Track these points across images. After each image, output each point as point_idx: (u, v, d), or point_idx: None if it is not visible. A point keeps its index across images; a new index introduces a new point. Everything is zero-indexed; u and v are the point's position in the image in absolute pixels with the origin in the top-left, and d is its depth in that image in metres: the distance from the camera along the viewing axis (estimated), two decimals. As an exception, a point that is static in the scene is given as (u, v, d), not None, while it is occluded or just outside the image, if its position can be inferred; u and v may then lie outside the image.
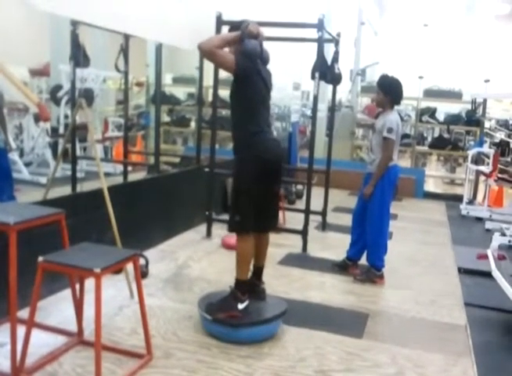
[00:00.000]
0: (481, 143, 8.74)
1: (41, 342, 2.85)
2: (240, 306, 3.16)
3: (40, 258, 2.47)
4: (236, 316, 3.14)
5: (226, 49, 3.27)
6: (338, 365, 2.99)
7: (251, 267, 3.39)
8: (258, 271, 3.49)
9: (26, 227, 2.65)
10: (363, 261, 4.51)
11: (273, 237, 5.21)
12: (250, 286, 3.38)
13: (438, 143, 10.23)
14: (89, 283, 2.59)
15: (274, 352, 3.07)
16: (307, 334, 3.33)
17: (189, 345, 3.07)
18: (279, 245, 5.10)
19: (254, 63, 3.18)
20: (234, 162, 3.33)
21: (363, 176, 4.52)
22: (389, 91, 4.27)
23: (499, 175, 7.21)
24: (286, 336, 3.28)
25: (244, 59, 3.14)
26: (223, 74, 5.30)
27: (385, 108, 4.34)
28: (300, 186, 7.52)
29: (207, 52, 3.14)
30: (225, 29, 5.01)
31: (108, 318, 3.27)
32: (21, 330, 2.55)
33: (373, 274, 4.38)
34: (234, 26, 3.35)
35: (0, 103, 5.01)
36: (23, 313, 2.84)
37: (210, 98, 7.84)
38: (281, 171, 3.43)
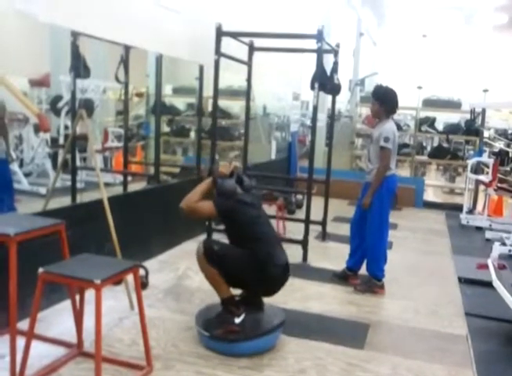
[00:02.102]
0: (480, 153, 8.75)
1: (41, 354, 2.83)
2: (237, 320, 3.15)
3: (40, 269, 2.47)
4: (234, 330, 3.13)
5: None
6: (339, 376, 2.98)
7: None
8: None
9: (26, 238, 2.65)
10: (363, 271, 4.50)
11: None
12: (246, 297, 3.37)
13: (438, 153, 10.26)
14: (89, 294, 2.58)
15: (274, 364, 3.06)
16: (307, 345, 3.32)
17: (189, 356, 3.06)
18: (279, 255, 5.09)
19: (232, 198, 3.24)
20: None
21: (362, 186, 4.52)
22: (384, 101, 4.29)
23: (499, 185, 7.22)
24: (285, 347, 3.27)
25: (221, 199, 3.23)
26: (223, 85, 5.34)
27: (381, 118, 4.35)
28: (300, 196, 7.51)
29: (188, 211, 3.25)
30: (225, 40, 5.05)
31: (108, 329, 3.26)
32: (21, 342, 2.55)
33: (373, 284, 4.37)
34: (210, 172, 3.43)
35: (1, 113, 5.02)
36: (23, 324, 2.83)
37: (209, 108, 7.85)
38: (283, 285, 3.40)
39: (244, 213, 3.25)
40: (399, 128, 11.01)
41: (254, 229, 3.27)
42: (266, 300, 3.49)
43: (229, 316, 3.16)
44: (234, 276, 3.18)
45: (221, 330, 3.13)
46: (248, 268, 3.16)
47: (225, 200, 3.23)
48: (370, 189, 4.28)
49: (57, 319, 3.35)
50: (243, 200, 3.28)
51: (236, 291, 3.36)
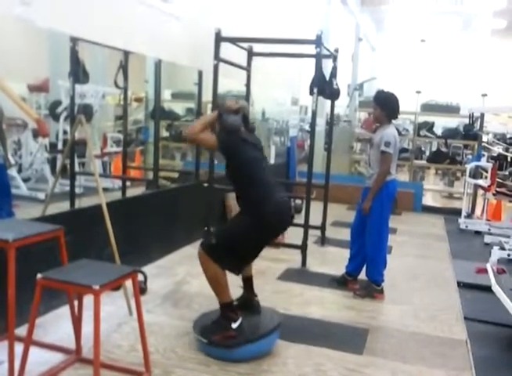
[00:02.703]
0: (478, 157, 8.76)
1: (39, 360, 2.82)
2: (234, 325, 3.12)
3: (39, 275, 2.46)
4: (232, 335, 3.11)
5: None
6: (338, 382, 2.97)
7: (240, 283, 3.39)
8: (248, 282, 3.46)
9: (24, 244, 2.64)
10: (363, 275, 4.49)
11: (272, 252, 5.21)
12: (242, 300, 3.37)
13: (436, 157, 10.27)
14: (88, 300, 2.57)
15: (274, 369, 3.05)
16: (307, 350, 3.31)
17: (188, 362, 3.05)
18: (279, 260, 5.09)
19: (236, 135, 3.23)
20: (241, 207, 3.27)
21: (362, 191, 4.52)
22: (385, 106, 4.30)
23: (498, 189, 7.22)
24: (285, 352, 3.26)
25: (225, 134, 3.22)
26: (222, 90, 5.34)
27: (382, 123, 4.36)
28: (299, 201, 7.51)
29: (191, 140, 3.31)
30: (224, 45, 5.06)
31: (106, 335, 3.25)
32: (19, 348, 2.53)
33: (372, 289, 4.36)
34: (217, 106, 3.46)
35: (0, 118, 5.02)
36: (21, 330, 2.82)
37: (208, 113, 7.87)
38: (287, 229, 3.40)
39: (245, 152, 3.22)
40: (398, 132, 11.03)
41: (251, 170, 3.22)
42: (264, 303, 3.49)
43: (226, 321, 3.14)
44: (241, 246, 3.11)
45: (219, 336, 3.11)
46: (246, 224, 3.12)
47: (228, 136, 3.21)
48: (370, 194, 4.28)
49: (55, 325, 3.35)
50: (246, 139, 3.26)
51: (234, 295, 3.35)
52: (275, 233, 3.35)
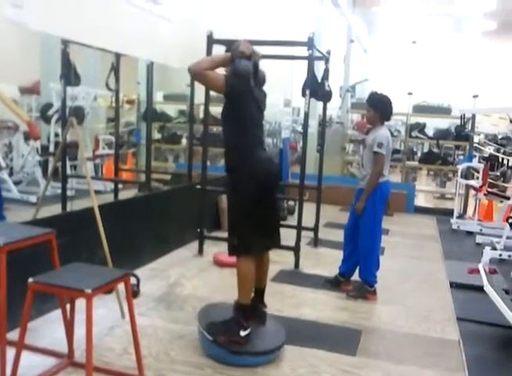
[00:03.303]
0: (470, 158, 8.82)
1: (31, 364, 2.80)
2: (243, 333, 3.10)
3: (30, 279, 2.44)
4: (239, 342, 3.09)
5: (222, 70, 3.25)
6: (332, 383, 2.97)
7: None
8: (260, 293, 3.43)
9: (16, 248, 2.62)
10: (356, 277, 4.50)
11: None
12: (252, 309, 3.32)
13: (428, 158, 10.31)
14: (80, 303, 2.56)
15: (268, 372, 3.04)
16: (301, 352, 3.31)
17: (182, 365, 3.04)
18: (272, 262, 5.00)
19: (245, 83, 3.13)
20: (227, 182, 3.30)
21: (355, 192, 4.53)
22: (379, 107, 4.32)
23: (489, 189, 7.27)
24: (280, 355, 3.25)
25: (234, 79, 3.10)
26: (214, 92, 5.34)
27: (375, 124, 4.38)
28: (291, 202, 7.52)
29: (196, 74, 3.12)
30: (216, 48, 5.06)
31: (99, 338, 3.23)
32: (11, 352, 2.51)
33: (365, 290, 4.37)
34: (229, 46, 3.32)
35: None
36: (13, 335, 2.79)
37: (201, 115, 7.85)
38: (277, 188, 3.38)
39: (247, 107, 3.15)
40: (390, 133, 11.06)
41: (247, 127, 3.19)
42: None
43: (236, 327, 3.11)
44: (247, 212, 3.12)
45: (225, 339, 3.08)
46: (238, 189, 3.16)
47: (237, 81, 3.10)
48: (364, 194, 4.29)
49: (48, 330, 3.32)
50: (253, 92, 3.17)
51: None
52: (264, 186, 3.20)
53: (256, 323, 3.27)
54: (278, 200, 3.45)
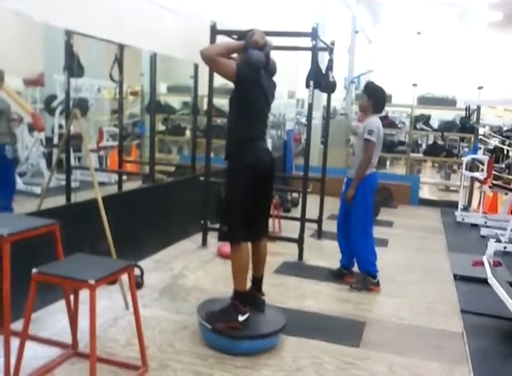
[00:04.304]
0: (475, 150, 8.78)
1: (36, 355, 2.82)
2: (241, 318, 3.13)
3: (34, 270, 2.45)
4: (236, 327, 3.11)
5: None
6: (335, 374, 2.98)
7: (250, 277, 3.38)
8: (257, 281, 3.46)
9: (20, 238, 2.63)
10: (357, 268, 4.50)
11: (269, 246, 5.19)
12: (249, 297, 3.35)
13: (433, 150, 10.27)
14: (84, 294, 2.56)
15: (271, 363, 3.05)
16: (304, 344, 3.32)
17: (185, 355, 3.05)
18: (275, 254, 5.09)
19: (255, 74, 3.13)
20: (225, 170, 3.32)
21: (344, 181, 4.53)
22: (372, 96, 4.38)
23: (494, 182, 7.24)
24: (282, 346, 3.26)
25: (246, 68, 3.10)
26: (218, 83, 5.31)
27: (367, 112, 4.43)
28: (295, 194, 7.51)
29: (208, 59, 3.11)
30: (219, 38, 5.03)
31: (103, 329, 3.25)
32: (15, 343, 2.53)
33: (368, 282, 4.38)
34: (242, 35, 3.31)
35: (7, 114, 5.00)
36: (17, 325, 2.81)
37: (205, 107, 7.84)
38: (272, 180, 3.39)
39: (257, 99, 3.17)
40: (395, 125, 11.04)
41: (251, 118, 3.20)
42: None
43: (234, 313, 3.15)
44: (240, 200, 3.16)
45: (224, 325, 3.11)
46: (235, 178, 3.19)
47: (248, 70, 3.10)
48: (354, 181, 4.31)
49: (52, 320, 3.34)
50: (262, 84, 3.17)
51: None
52: (259, 177, 3.20)
53: (255, 311, 3.30)
54: (271, 191, 3.45)
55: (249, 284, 3.42)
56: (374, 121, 4.34)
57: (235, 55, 3.30)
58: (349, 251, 4.54)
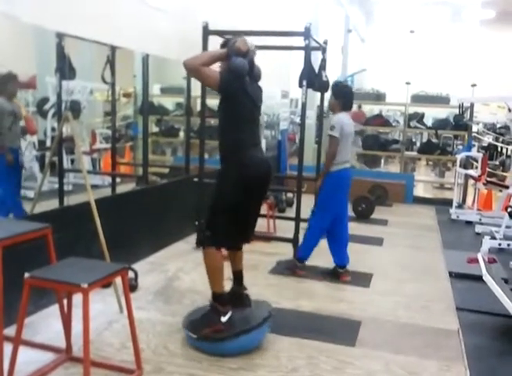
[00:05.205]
0: (469, 147, 8.80)
1: (29, 360, 2.79)
2: (223, 319, 3.12)
3: (26, 274, 2.43)
4: (220, 329, 3.10)
5: (217, 66, 3.22)
6: (331, 374, 2.98)
7: (230, 276, 3.39)
8: (237, 275, 3.45)
9: (12, 243, 2.61)
10: (357, 267, 4.50)
11: (264, 246, 5.22)
12: (232, 294, 3.35)
13: (427, 148, 10.28)
14: (77, 298, 2.55)
15: (266, 363, 3.04)
16: (299, 344, 3.31)
17: (180, 358, 3.04)
18: (270, 254, 5.09)
19: (240, 81, 3.11)
20: (217, 173, 3.27)
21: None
22: (339, 95, 4.57)
23: (488, 179, 7.26)
24: (278, 346, 3.25)
25: (229, 76, 3.08)
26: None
27: (335, 111, 4.60)
28: (290, 194, 7.50)
29: (191, 69, 3.11)
30: (211, 39, 5.02)
31: (97, 333, 3.23)
32: (8, 348, 2.51)
33: (293, 264, 4.65)
34: (225, 42, 3.29)
35: (19, 118, 4.97)
36: (10, 330, 2.79)
37: (198, 108, 7.83)
38: (266, 190, 3.34)
39: (243, 104, 3.14)
40: (389, 124, 11.05)
41: (241, 125, 3.17)
42: (255, 297, 3.48)
43: (216, 315, 3.13)
44: (227, 205, 3.13)
45: (208, 330, 3.10)
46: (225, 182, 3.16)
47: (232, 79, 3.08)
48: (321, 173, 4.62)
49: (45, 325, 3.32)
50: (247, 91, 3.16)
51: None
52: (252, 187, 3.17)
53: (240, 307, 3.29)
54: (262, 200, 3.40)
55: (231, 284, 3.44)
56: (338, 117, 4.50)
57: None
58: (338, 249, 4.64)
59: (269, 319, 3.25)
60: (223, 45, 3.28)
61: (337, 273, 4.60)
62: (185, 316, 3.37)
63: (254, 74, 3.24)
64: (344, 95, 4.56)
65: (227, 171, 3.19)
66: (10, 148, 4.48)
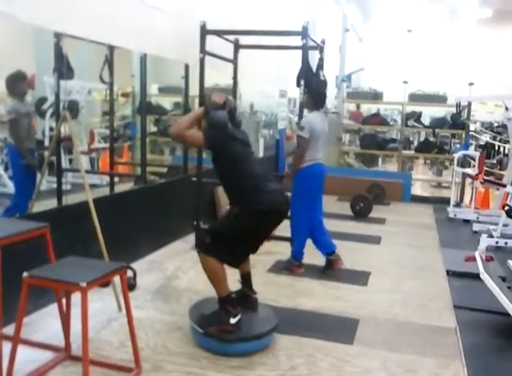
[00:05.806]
0: (466, 146, 8.82)
1: (28, 359, 2.80)
2: (233, 321, 3.11)
3: (25, 274, 2.44)
4: (228, 330, 3.10)
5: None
6: (329, 372, 2.99)
7: (239, 278, 3.38)
8: (246, 277, 3.45)
9: (10, 242, 2.62)
10: (353, 265, 4.51)
11: (263, 246, 5.20)
12: (241, 296, 3.35)
13: (424, 147, 10.30)
14: (76, 296, 2.56)
15: (265, 362, 3.05)
16: (297, 342, 3.32)
17: (179, 357, 3.05)
18: (268, 253, 5.09)
19: (223, 132, 3.17)
20: (233, 207, 3.25)
21: None
22: (312, 93, 4.62)
23: (485, 177, 7.27)
24: (276, 344, 3.26)
25: (212, 131, 3.15)
26: (209, 83, 5.31)
27: (308, 109, 4.65)
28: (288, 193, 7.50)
29: (177, 137, 3.24)
30: (210, 38, 5.03)
31: (96, 332, 3.24)
32: (7, 347, 2.52)
33: (289, 264, 4.67)
34: (203, 100, 3.38)
35: (31, 119, 4.97)
36: (9, 330, 2.79)
37: (196, 107, 7.83)
38: (281, 221, 3.32)
39: (233, 148, 3.19)
40: (386, 123, 11.07)
41: (240, 165, 3.20)
42: (258, 299, 3.49)
43: (225, 315, 3.12)
44: (238, 238, 3.12)
45: (215, 328, 3.10)
46: (239, 216, 3.12)
47: (215, 133, 3.15)
48: (289, 172, 4.69)
49: (44, 324, 3.33)
50: (234, 135, 3.22)
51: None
52: (270, 222, 3.24)
53: (247, 311, 3.29)
54: (275, 228, 3.38)
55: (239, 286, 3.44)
56: (309, 117, 4.55)
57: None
58: (320, 239, 4.75)
59: (275, 330, 3.25)
60: (200, 104, 3.36)
61: (330, 263, 4.67)
62: (192, 307, 3.37)
63: (235, 121, 3.30)
64: (317, 94, 4.62)
65: (243, 210, 3.15)
66: (29, 150, 4.49)
